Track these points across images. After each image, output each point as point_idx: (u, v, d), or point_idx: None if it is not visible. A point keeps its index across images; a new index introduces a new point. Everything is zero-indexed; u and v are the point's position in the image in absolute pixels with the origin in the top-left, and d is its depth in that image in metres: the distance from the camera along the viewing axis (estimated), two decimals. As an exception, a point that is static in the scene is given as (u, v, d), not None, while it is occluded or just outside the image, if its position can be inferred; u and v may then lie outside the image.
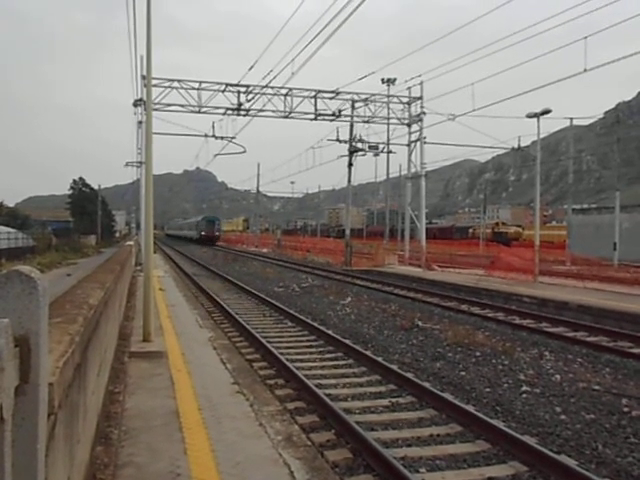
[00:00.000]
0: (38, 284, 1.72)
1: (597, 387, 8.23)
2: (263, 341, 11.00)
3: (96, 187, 79.34)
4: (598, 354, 10.41)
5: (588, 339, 11.57)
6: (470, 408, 7.18)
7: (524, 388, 8.27)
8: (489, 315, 14.65)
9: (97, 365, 4.64)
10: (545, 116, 28.70)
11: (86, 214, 73.51)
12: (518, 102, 26.12)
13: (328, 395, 7.65)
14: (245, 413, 6.06)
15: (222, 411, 6.05)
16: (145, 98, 10.73)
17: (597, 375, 9.02)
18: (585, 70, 18.78)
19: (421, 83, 30.06)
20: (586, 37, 18.34)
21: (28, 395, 1.67)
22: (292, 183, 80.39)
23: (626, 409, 7.25)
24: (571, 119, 35.30)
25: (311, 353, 10.80)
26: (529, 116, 28.79)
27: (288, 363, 9.23)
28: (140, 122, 27.76)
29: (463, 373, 9.22)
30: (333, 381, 8.72)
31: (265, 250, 59.17)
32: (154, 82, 26.79)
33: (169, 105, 28.13)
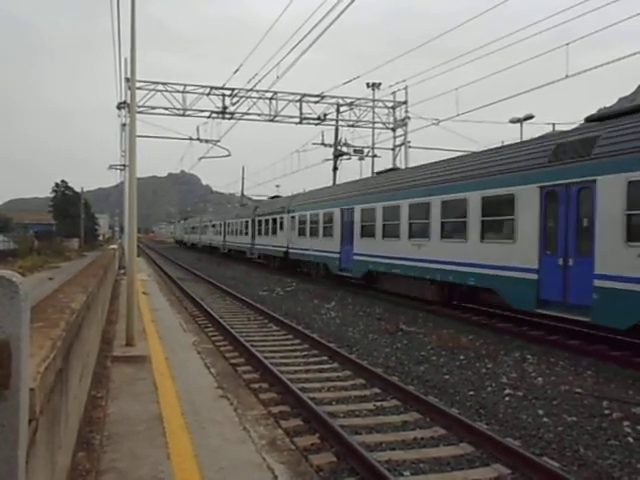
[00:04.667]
0: (19, 288, 1.70)
1: (579, 390, 8.32)
2: (247, 345, 10.96)
3: (79, 190, 78.52)
4: (579, 357, 10.52)
5: (569, 342, 11.68)
6: (454, 411, 7.23)
7: (507, 391, 8.33)
8: (473, 319, 14.74)
9: (79, 370, 4.59)
10: (528, 121, 29.11)
11: (69, 217, 72.77)
12: (503, 107, 26.39)
13: (312, 399, 7.64)
14: (229, 417, 6.03)
15: (206, 416, 6.02)
16: (129, 101, 10.66)
17: (579, 378, 9.12)
18: (567, 76, 19.04)
19: (406, 88, 30.28)
20: (567, 44, 18.59)
21: (8, 401, 1.66)
22: (277, 187, 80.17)
23: (607, 411, 7.34)
24: (553, 124, 35.73)
25: (295, 357, 10.78)
26: (512, 121, 29.18)
27: (272, 367, 9.21)
28: (124, 125, 27.58)
29: (447, 377, 9.26)
30: (317, 385, 8.71)
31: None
32: (138, 85, 26.62)
33: (153, 108, 27.98)
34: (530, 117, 28.11)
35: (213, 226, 54.98)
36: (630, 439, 6.40)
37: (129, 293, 9.80)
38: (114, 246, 32.45)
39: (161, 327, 11.91)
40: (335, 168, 34.38)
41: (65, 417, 3.42)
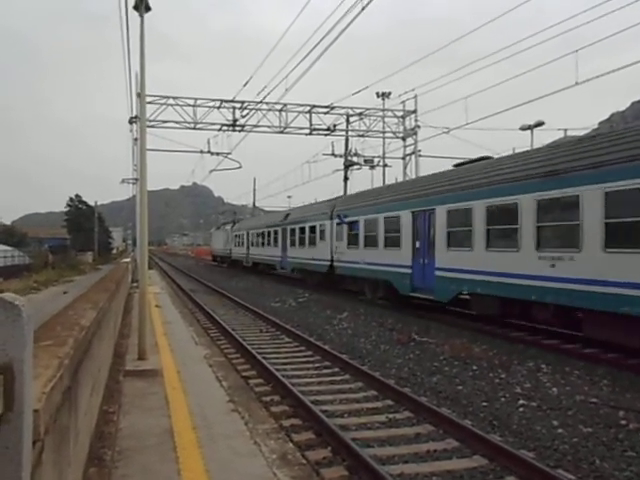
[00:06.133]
0: (22, 311, 1.72)
1: (594, 400, 8.21)
2: (259, 357, 10.96)
3: (93, 204, 79.32)
4: (595, 366, 10.39)
5: (585, 351, 11.54)
6: (467, 423, 7.15)
7: (521, 402, 8.24)
8: (485, 328, 14.62)
9: (90, 386, 4.62)
10: (539, 128, 28.95)
11: (83, 231, 73.47)
12: (512, 114, 26.30)
13: (324, 412, 7.61)
14: (240, 431, 6.02)
15: (217, 430, 6.02)
16: (140, 115, 10.79)
17: (594, 387, 8.99)
18: (576, 83, 18.96)
19: (415, 97, 30.29)
20: (577, 50, 18.53)
21: (12, 423, 1.67)
22: (289, 197, 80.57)
23: (623, 422, 7.22)
24: (565, 130, 35.53)
25: (308, 369, 10.75)
26: (523, 128, 29.04)
27: (284, 379, 9.19)
28: (136, 139, 27.85)
29: (460, 387, 9.18)
30: (330, 397, 8.67)
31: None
32: (149, 99, 26.93)
33: (165, 122, 28.24)
34: (541, 124, 27.94)
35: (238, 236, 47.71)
36: (647, 450, 6.29)
37: (141, 307, 9.86)
38: (127, 259, 32.69)
39: (173, 340, 11.95)
40: (346, 178, 34.41)
41: (75, 434, 3.43)
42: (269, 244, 36.07)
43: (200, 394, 7.55)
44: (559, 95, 22.35)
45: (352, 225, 22.42)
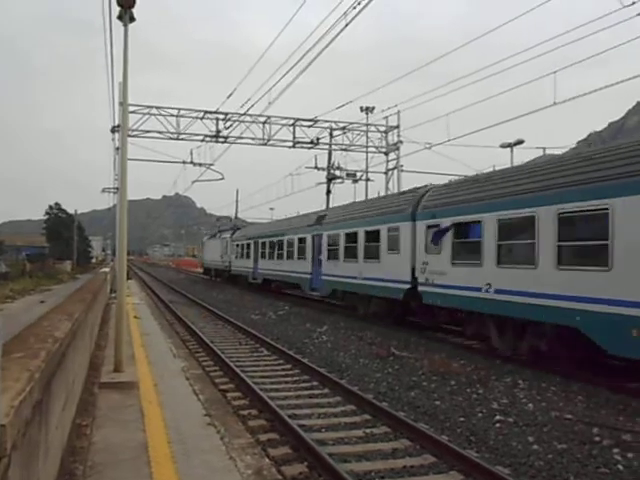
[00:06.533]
0: (-9, 324, 1.70)
1: (569, 416, 8.28)
2: (237, 370, 10.87)
3: (73, 212, 78.40)
4: (570, 382, 10.49)
5: (560, 367, 11.64)
6: (444, 439, 7.17)
7: (498, 417, 8.28)
8: (464, 343, 14.70)
9: (62, 399, 4.54)
10: (519, 146, 29.41)
11: (62, 239, 72.45)
12: (493, 132, 26.69)
13: (302, 426, 7.57)
14: (216, 446, 5.96)
15: (192, 444, 5.95)
16: (122, 124, 10.75)
17: (570, 403, 9.08)
18: (555, 103, 19.34)
19: (398, 112, 30.59)
20: (555, 72, 18.94)
21: (-23, 439, 1.64)
22: (272, 209, 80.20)
23: (597, 438, 7.30)
24: (544, 149, 36.17)
25: (286, 382, 10.70)
26: (503, 146, 29.48)
27: (262, 393, 9.12)
28: (118, 148, 27.68)
29: (438, 402, 9.20)
30: (307, 411, 8.63)
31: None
32: (132, 108, 26.83)
33: (147, 132, 28.13)
34: (520, 142, 28.41)
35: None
36: (620, 467, 6.35)
37: (118, 318, 9.74)
38: (106, 269, 32.32)
39: (151, 352, 11.82)
40: (328, 191, 34.54)
41: (45, 449, 3.37)
42: (290, 256, 27.88)
43: (176, 407, 7.46)
44: (539, 114, 22.80)
45: (464, 229, 14.30)
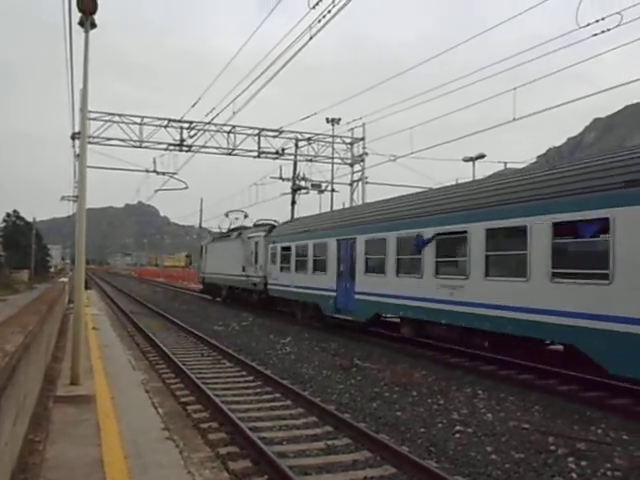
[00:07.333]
0: None
1: (526, 425, 8.44)
2: (198, 382, 10.72)
3: (31, 220, 76.36)
4: (528, 392, 10.70)
5: (520, 377, 11.89)
6: (404, 449, 7.21)
7: (457, 428, 8.38)
8: (427, 354, 14.85)
9: (13, 414, 4.40)
10: (480, 160, 30.10)
11: (20, 248, 70.38)
12: (456, 146, 27.23)
13: (263, 438, 7.50)
14: (174, 461, 5.85)
15: (149, 459, 5.82)
16: (81, 131, 10.55)
17: (527, 413, 9.25)
18: (514, 119, 19.88)
19: (363, 125, 30.93)
20: (515, 88, 19.47)
21: None
22: (236, 219, 79.60)
23: (553, 447, 7.45)
24: (505, 163, 37.11)
25: (248, 395, 10.59)
26: (465, 160, 30.14)
27: (223, 405, 9.01)
28: (78, 155, 27.17)
29: (399, 413, 9.26)
30: (269, 423, 8.56)
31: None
32: (94, 115, 26.42)
33: (109, 139, 27.69)
34: (482, 156, 29.10)
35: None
36: (574, 475, 6.50)
37: (75, 329, 9.49)
38: (65, 279, 31.53)
39: (110, 364, 11.54)
40: (293, 202, 34.56)
41: (-8, 467, 3.26)
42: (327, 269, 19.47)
43: (134, 421, 7.30)
44: (500, 129, 23.38)
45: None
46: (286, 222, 27.47)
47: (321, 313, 20.04)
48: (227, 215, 39.03)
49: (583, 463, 6.85)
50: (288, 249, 23.26)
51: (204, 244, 40.37)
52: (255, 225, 30.62)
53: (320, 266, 20.17)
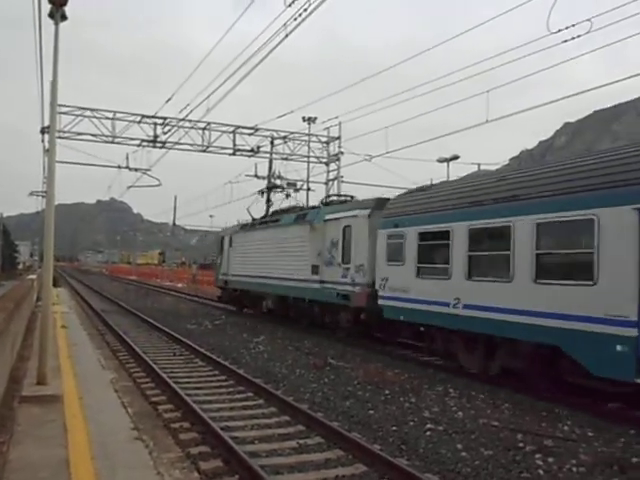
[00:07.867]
0: None
1: (496, 423, 8.56)
2: (170, 382, 10.59)
3: (-2, 216, 74.53)
4: (498, 390, 10.84)
5: (489, 375, 12.02)
6: (376, 448, 7.23)
7: (429, 426, 8.44)
8: (399, 353, 14.95)
9: (-25, 415, 4.27)
10: (454, 161, 30.42)
11: (-14, 244, 68.66)
12: (430, 146, 27.46)
13: (234, 438, 7.44)
14: (143, 461, 5.77)
15: (118, 460, 5.73)
16: (51, 125, 10.33)
17: (496, 411, 9.38)
18: (487, 121, 20.10)
19: (339, 124, 30.90)
20: (488, 91, 19.69)
21: None
22: (211, 217, 78.74)
23: (521, 444, 7.57)
24: (479, 164, 37.62)
25: (220, 394, 10.51)
26: (440, 161, 30.42)
27: (194, 405, 8.92)
28: (47, 150, 26.61)
29: (371, 412, 9.29)
30: (241, 423, 8.50)
31: (180, 285, 57.63)
32: (64, 110, 25.88)
33: (80, 134, 27.13)
34: (456, 157, 29.41)
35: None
36: (541, 471, 6.61)
37: (42, 327, 9.29)
38: (33, 276, 30.88)
39: (78, 364, 11.34)
40: (268, 200, 34.40)
41: (-49, 469, 3.15)
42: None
43: (102, 421, 7.18)
44: (474, 131, 23.63)
45: None
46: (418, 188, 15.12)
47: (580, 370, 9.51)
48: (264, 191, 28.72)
49: (550, 459, 6.97)
50: (444, 236, 12.55)
51: (226, 234, 28.76)
52: (326, 204, 20.50)
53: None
